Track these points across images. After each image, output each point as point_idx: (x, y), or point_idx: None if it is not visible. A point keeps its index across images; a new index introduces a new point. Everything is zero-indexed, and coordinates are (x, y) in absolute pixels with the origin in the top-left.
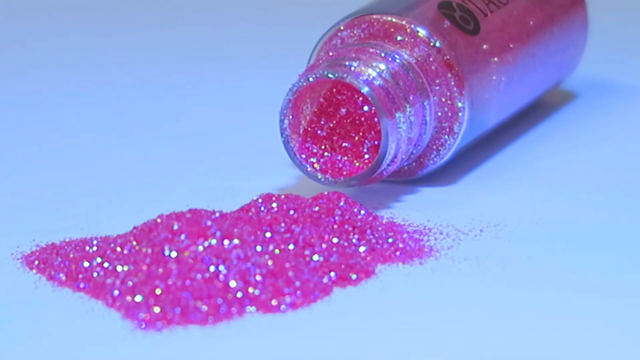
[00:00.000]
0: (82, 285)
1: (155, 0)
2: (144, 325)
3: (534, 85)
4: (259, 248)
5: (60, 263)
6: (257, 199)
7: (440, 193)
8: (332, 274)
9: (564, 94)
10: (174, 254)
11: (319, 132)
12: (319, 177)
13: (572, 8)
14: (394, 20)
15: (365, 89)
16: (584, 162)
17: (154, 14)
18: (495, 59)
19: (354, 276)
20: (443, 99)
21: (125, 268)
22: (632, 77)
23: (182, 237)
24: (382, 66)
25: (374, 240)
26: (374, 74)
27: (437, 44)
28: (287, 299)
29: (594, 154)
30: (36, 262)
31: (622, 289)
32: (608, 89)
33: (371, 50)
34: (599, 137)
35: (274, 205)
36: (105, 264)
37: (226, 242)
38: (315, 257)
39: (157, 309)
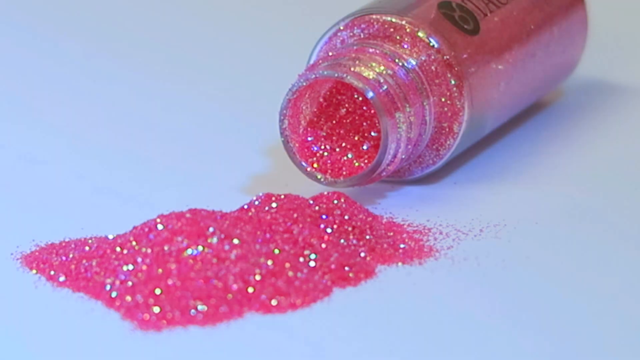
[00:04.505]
0: (82, 285)
1: None
2: (143, 326)
3: (534, 86)
4: (258, 248)
5: (60, 263)
6: (257, 199)
7: (440, 193)
8: (332, 274)
9: (563, 94)
10: (173, 254)
11: (318, 132)
12: (319, 177)
13: (571, 8)
14: (393, 20)
15: (365, 89)
16: (584, 162)
17: (153, 13)
18: (495, 59)
19: (353, 276)
20: (443, 99)
21: (125, 268)
22: (632, 77)
23: (182, 237)
24: (382, 66)
25: (373, 240)
26: (373, 74)
27: (437, 44)
28: (287, 299)
29: (594, 154)
30: (36, 262)
31: (622, 288)
32: (608, 89)
33: (371, 50)
34: (599, 137)
35: (274, 205)
36: (105, 264)
37: (226, 242)
38: (315, 257)
39: (157, 309)
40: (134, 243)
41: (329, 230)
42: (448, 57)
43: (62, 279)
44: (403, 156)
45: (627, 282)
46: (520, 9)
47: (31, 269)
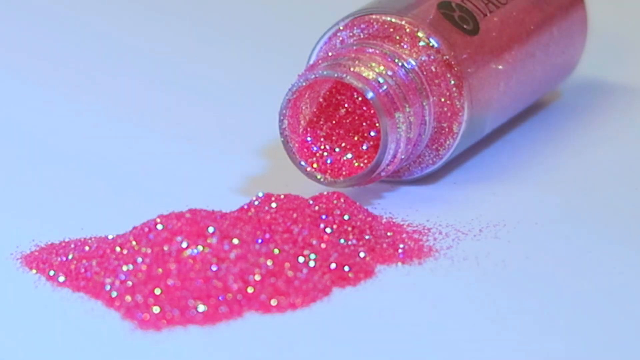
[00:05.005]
0: (82, 285)
1: None
2: (143, 326)
3: (533, 86)
4: (258, 248)
5: (60, 263)
6: (257, 199)
7: (439, 193)
8: (332, 274)
9: (563, 94)
10: (173, 254)
11: (318, 132)
12: (319, 177)
13: (571, 8)
14: (393, 20)
15: (365, 89)
16: (583, 162)
17: (153, 13)
18: (495, 59)
19: (353, 276)
20: (442, 99)
21: (125, 268)
22: (632, 77)
23: (182, 237)
24: (382, 66)
25: (373, 241)
26: (373, 74)
27: (436, 44)
28: (287, 299)
29: (593, 154)
30: (36, 262)
31: (621, 288)
32: (607, 89)
33: (370, 50)
34: (599, 137)
35: (274, 205)
36: (105, 264)
37: (225, 242)
38: (315, 257)
39: (157, 309)
40: (133, 243)
41: (328, 230)
42: (448, 57)
43: (62, 279)
44: (402, 156)
45: (627, 282)
46: (519, 9)
47: (31, 269)
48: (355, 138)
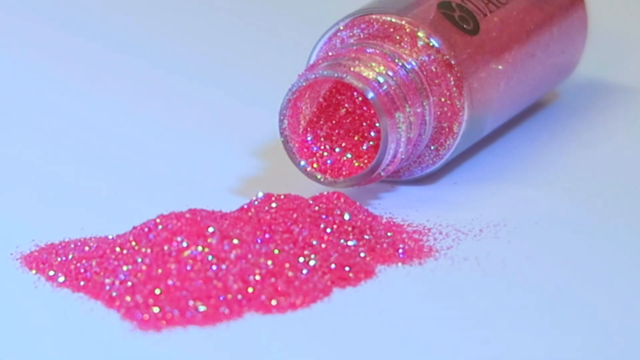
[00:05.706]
0: (82, 285)
1: None
2: (143, 326)
3: (534, 86)
4: (258, 248)
5: (60, 263)
6: (257, 199)
7: (440, 193)
8: (332, 274)
9: (563, 94)
10: (173, 254)
11: (318, 132)
12: (319, 177)
13: (571, 8)
14: (393, 20)
15: (365, 89)
16: (583, 162)
17: (152, 13)
18: (495, 59)
19: (353, 276)
20: (442, 99)
21: (125, 268)
22: (632, 77)
23: (182, 237)
24: (382, 66)
25: (373, 241)
26: (373, 74)
27: (437, 44)
28: (287, 299)
29: (593, 154)
30: (36, 262)
31: (621, 288)
32: (607, 89)
33: (370, 50)
34: (599, 137)
35: (274, 205)
36: (105, 264)
37: (225, 242)
38: (315, 257)
39: (156, 309)
40: (133, 243)
41: (328, 230)
42: (448, 57)
43: (61, 279)
44: (403, 156)
45: (627, 282)
46: (520, 9)
47: (31, 269)
48: (355, 138)
